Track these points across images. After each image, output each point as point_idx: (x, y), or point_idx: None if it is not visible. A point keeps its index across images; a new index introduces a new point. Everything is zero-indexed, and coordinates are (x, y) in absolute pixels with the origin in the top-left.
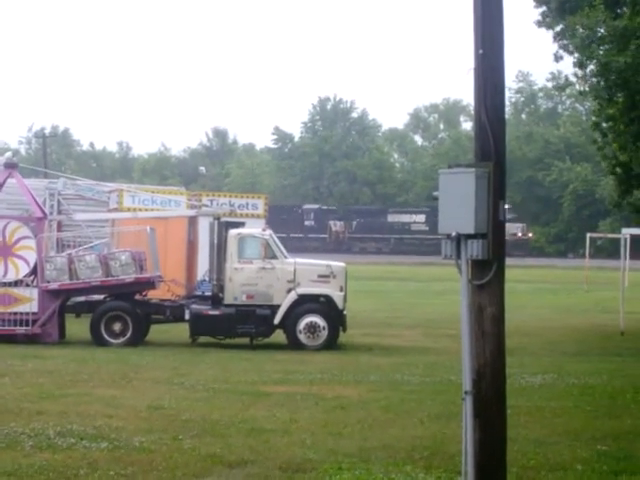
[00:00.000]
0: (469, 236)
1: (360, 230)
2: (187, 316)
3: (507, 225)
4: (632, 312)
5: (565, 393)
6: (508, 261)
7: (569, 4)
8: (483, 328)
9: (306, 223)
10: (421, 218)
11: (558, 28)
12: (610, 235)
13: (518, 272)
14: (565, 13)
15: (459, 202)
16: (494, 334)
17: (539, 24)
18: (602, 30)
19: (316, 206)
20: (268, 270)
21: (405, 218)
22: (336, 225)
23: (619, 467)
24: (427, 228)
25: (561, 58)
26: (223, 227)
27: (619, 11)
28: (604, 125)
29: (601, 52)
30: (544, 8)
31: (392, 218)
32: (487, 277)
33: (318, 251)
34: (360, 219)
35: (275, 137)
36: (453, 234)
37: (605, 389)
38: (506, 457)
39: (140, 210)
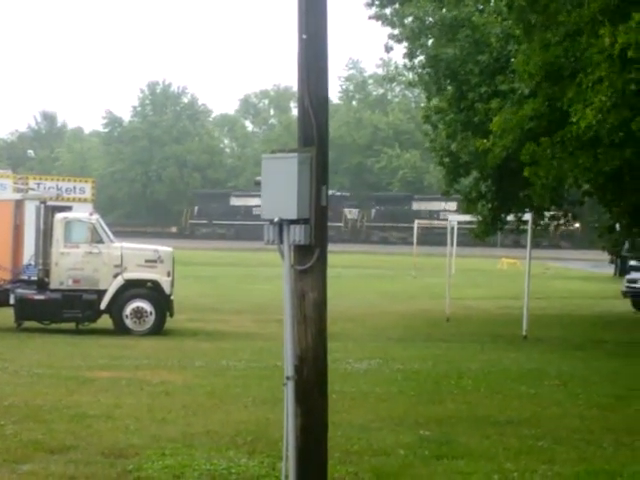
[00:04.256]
0: (292, 221)
1: (380, 218)
2: (12, 300)
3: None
4: (458, 298)
5: (390, 379)
6: (335, 247)
7: None
8: (305, 313)
9: None
10: (452, 206)
11: (387, 11)
12: (437, 222)
13: (345, 258)
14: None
15: (282, 187)
16: (316, 319)
17: (368, 6)
18: (430, 19)
19: (329, 192)
20: (95, 255)
21: (434, 206)
22: (351, 213)
23: (441, 452)
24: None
25: (392, 49)
26: (49, 211)
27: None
28: (434, 117)
29: (430, 43)
30: None
31: (418, 206)
32: (309, 262)
33: (332, 240)
34: (380, 206)
35: (105, 121)
36: (276, 219)
37: (429, 374)
38: (327, 442)
39: None
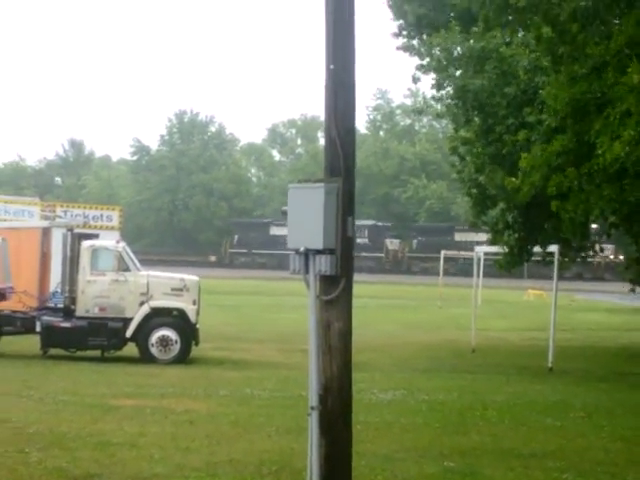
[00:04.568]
0: (318, 251)
1: (422, 249)
2: (38, 328)
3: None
4: (484, 329)
5: (414, 409)
6: (359, 277)
7: (426, 20)
8: (330, 343)
9: (359, 241)
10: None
11: (414, 42)
12: (464, 253)
13: (371, 288)
14: (422, 29)
15: (308, 217)
16: (341, 349)
17: (395, 37)
18: (458, 50)
19: (370, 222)
20: (121, 283)
21: (476, 237)
22: (393, 243)
23: None
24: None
25: (419, 80)
26: (76, 239)
27: (475, 29)
28: (461, 149)
29: (457, 74)
30: (401, 21)
31: (460, 237)
32: (335, 293)
33: (373, 271)
34: (422, 237)
35: (133, 149)
36: (302, 249)
37: (454, 406)
38: (352, 472)
39: None
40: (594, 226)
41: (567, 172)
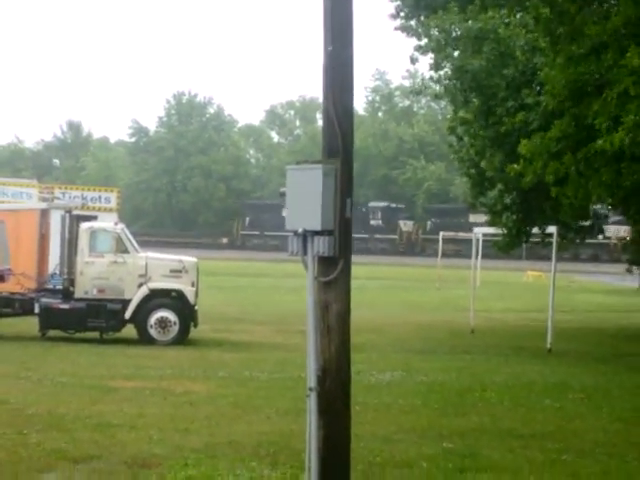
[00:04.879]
0: (316, 232)
1: (436, 231)
2: (37, 309)
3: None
4: (483, 310)
5: (413, 390)
6: (358, 258)
7: (424, 1)
8: (328, 324)
9: (372, 222)
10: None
11: (412, 23)
12: (462, 234)
13: (369, 269)
14: (420, 10)
15: (306, 198)
16: (339, 331)
17: (393, 18)
18: (457, 31)
19: (384, 204)
20: (119, 264)
21: None
22: (407, 225)
23: (464, 464)
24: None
25: (417, 60)
26: (75, 220)
27: (470, 7)
28: (459, 129)
29: (455, 55)
30: (398, 2)
31: (474, 218)
32: (333, 274)
33: (386, 253)
34: (436, 219)
35: (131, 131)
36: (300, 230)
37: (453, 387)
38: (350, 453)
39: None
40: (598, 206)
41: (564, 159)
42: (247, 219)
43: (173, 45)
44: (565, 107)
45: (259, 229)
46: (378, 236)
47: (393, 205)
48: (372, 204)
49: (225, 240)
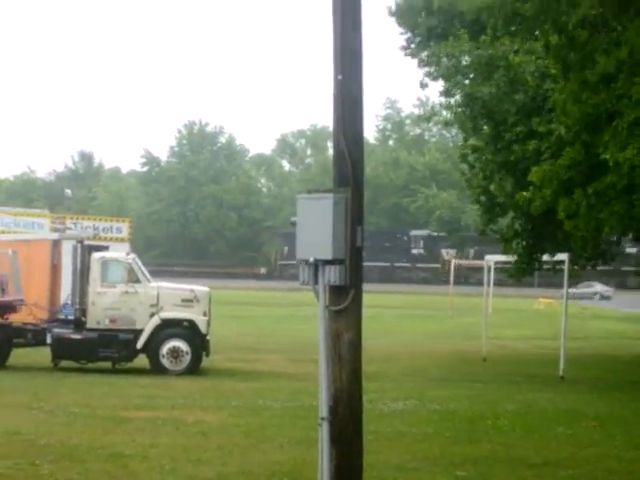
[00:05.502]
0: (327, 262)
1: (479, 259)
2: (49, 340)
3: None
4: (494, 338)
5: (426, 419)
6: (372, 287)
7: (435, 31)
8: (340, 353)
9: (414, 251)
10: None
11: (424, 55)
12: (474, 261)
13: (383, 298)
14: (430, 40)
15: (317, 228)
16: (351, 360)
17: (404, 50)
18: (467, 59)
19: (425, 232)
20: (131, 294)
21: None
22: (449, 254)
23: None
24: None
25: (426, 86)
26: (86, 251)
27: (483, 37)
28: (470, 156)
29: (466, 82)
30: (409, 34)
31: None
32: (344, 303)
33: (428, 282)
34: (479, 246)
35: (143, 160)
36: (311, 260)
37: (465, 415)
38: None
39: (2, 232)
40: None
41: (574, 194)
42: (285, 248)
43: (185, 75)
44: (578, 136)
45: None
46: (420, 265)
47: (435, 233)
48: (414, 232)
49: (263, 270)
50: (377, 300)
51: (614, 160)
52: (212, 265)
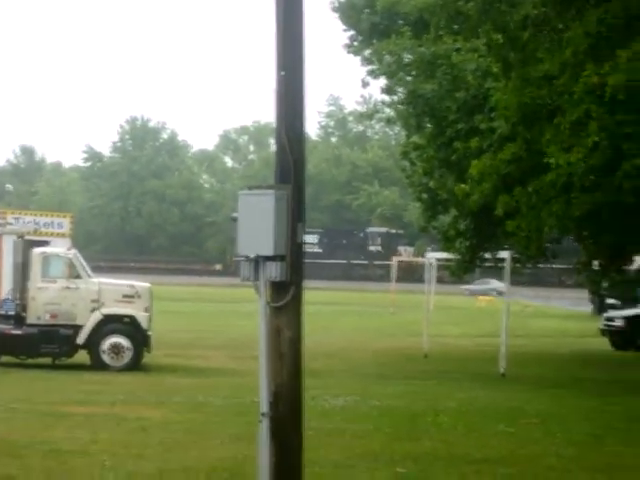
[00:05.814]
0: (268, 258)
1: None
2: None
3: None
4: (436, 335)
5: (367, 415)
6: (314, 283)
7: (377, 29)
8: (280, 350)
9: (371, 248)
10: None
11: (366, 53)
12: (415, 259)
13: (324, 294)
14: (373, 38)
15: (258, 224)
16: (291, 356)
17: (347, 47)
18: (409, 56)
19: (383, 229)
20: (72, 290)
21: None
22: (406, 251)
23: None
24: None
25: (368, 84)
26: (27, 246)
27: (425, 35)
28: (412, 154)
29: (408, 79)
30: (352, 32)
31: None
32: (285, 299)
33: (385, 279)
34: (435, 244)
35: (85, 156)
36: (252, 256)
37: (406, 411)
38: (302, 479)
39: None
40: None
41: (514, 191)
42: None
43: (128, 70)
44: (517, 131)
45: None
46: (377, 262)
47: (393, 231)
48: (371, 229)
49: (219, 267)
50: (319, 297)
51: (556, 163)
52: (156, 260)
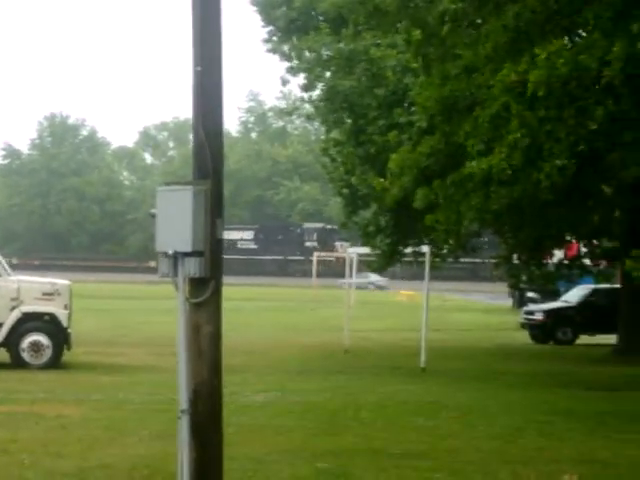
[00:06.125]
0: (186, 254)
1: None
2: None
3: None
4: (357, 330)
5: (287, 411)
6: (233, 279)
7: (295, 25)
8: (200, 346)
9: (307, 244)
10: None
11: (285, 49)
12: (336, 254)
13: (244, 290)
14: (291, 34)
15: (176, 220)
16: (211, 352)
17: (265, 43)
18: (328, 53)
19: (319, 225)
20: None
21: None
22: (343, 246)
23: None
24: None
25: (288, 82)
26: None
27: (344, 31)
28: (332, 150)
29: (327, 75)
30: (271, 27)
31: None
32: (204, 295)
33: (322, 275)
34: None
35: (3, 153)
36: (170, 252)
37: (327, 406)
38: (223, 475)
39: None
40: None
41: (433, 184)
42: None
43: (46, 67)
44: (436, 123)
45: None
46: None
47: (329, 226)
48: (307, 225)
49: (153, 264)
50: (240, 293)
51: (479, 167)
52: (76, 258)
